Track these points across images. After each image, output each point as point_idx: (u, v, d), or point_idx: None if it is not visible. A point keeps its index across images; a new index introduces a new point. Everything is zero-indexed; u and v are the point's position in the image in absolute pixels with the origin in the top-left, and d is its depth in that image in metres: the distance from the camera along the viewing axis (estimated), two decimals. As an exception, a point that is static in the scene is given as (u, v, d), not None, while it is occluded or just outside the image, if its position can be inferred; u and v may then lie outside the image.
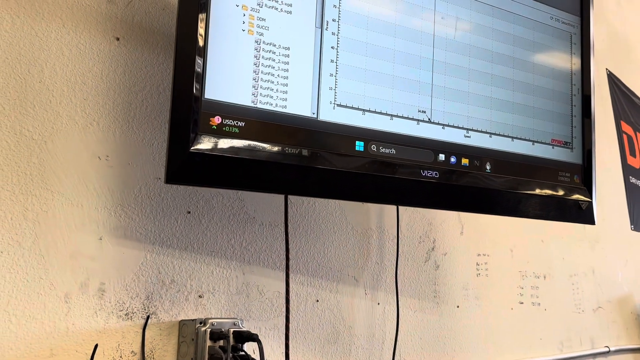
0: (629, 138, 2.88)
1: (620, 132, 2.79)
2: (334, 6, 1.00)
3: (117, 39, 1.00)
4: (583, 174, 1.28)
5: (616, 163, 2.71)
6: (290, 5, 0.96)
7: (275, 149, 0.92)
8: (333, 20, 1.00)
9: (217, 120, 0.88)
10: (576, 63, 1.32)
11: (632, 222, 2.66)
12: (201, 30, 0.87)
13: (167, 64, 1.05)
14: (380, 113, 1.04)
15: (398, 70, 1.06)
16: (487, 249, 1.67)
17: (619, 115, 2.82)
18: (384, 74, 1.05)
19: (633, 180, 2.80)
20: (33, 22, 0.92)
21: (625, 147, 2.83)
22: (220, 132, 0.88)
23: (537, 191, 1.19)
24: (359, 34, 1.02)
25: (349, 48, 1.01)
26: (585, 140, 1.30)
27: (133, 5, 1.03)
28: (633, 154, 2.90)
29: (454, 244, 1.56)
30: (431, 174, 1.08)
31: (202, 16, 0.87)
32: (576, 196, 1.25)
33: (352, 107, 1.01)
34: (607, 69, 2.83)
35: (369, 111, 1.03)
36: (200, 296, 1.04)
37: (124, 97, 0.99)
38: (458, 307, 1.52)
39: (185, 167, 0.84)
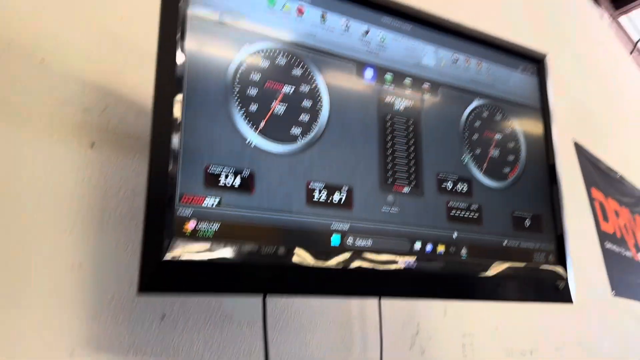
0: (601, 204, 2.95)
1: (591, 199, 2.87)
2: (305, 106, 1.04)
3: (92, 145, 1.01)
4: (557, 253, 1.29)
5: (592, 229, 2.76)
6: (262, 108, 0.99)
7: (251, 249, 0.92)
8: (304, 120, 1.03)
9: (191, 225, 0.88)
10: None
11: (612, 288, 2.67)
12: (175, 136, 0.89)
13: (143, 166, 1.06)
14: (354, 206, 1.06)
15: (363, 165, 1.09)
16: (472, 328, 1.65)
17: (589, 182, 2.91)
18: (354, 167, 1.07)
19: (609, 245, 2.84)
20: (8, 133, 0.93)
21: (598, 214, 2.89)
22: (194, 237, 0.88)
23: (514, 274, 1.20)
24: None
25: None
26: (556, 217, 1.33)
27: (108, 112, 1.05)
28: (606, 219, 2.96)
29: (438, 327, 1.54)
30: (408, 264, 1.08)
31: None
32: (552, 276, 1.26)
33: (326, 202, 1.03)
34: (573, 139, 2.95)
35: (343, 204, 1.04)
36: (177, 406, 0.99)
37: (98, 202, 1.00)
38: (446, 393, 1.48)
39: (159, 276, 0.83)
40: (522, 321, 1.87)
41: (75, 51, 1.04)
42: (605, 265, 2.68)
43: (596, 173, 3.02)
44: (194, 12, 0.97)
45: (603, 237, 2.81)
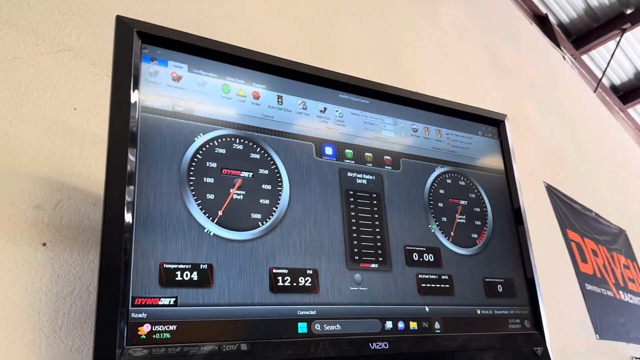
0: (578, 245, 2.96)
1: (568, 240, 2.87)
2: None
3: (44, 244, 0.97)
4: (533, 317, 1.27)
5: (571, 272, 2.75)
6: (219, 197, 0.97)
7: (211, 349, 0.88)
8: (264, 204, 1.01)
9: (146, 328, 0.84)
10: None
11: (596, 331, 2.64)
12: (127, 235, 0.86)
13: (97, 261, 1.02)
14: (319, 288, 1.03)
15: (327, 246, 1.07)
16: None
17: (564, 224, 2.92)
18: (319, 248, 1.05)
19: (589, 287, 2.83)
20: (-49, 240, 0.89)
21: (576, 255, 2.89)
22: (150, 341, 0.84)
23: (490, 345, 1.17)
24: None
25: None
26: (527, 279, 1.31)
27: (61, 206, 1.02)
28: (584, 260, 2.96)
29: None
30: (380, 346, 1.04)
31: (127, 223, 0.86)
32: (530, 343, 1.23)
33: (290, 287, 1.00)
34: (544, 182, 2.98)
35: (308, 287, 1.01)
36: None
37: (50, 304, 0.95)
38: None
39: (112, 390, 0.78)
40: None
41: (26, 146, 1.02)
42: (587, 308, 2.66)
43: (570, 214, 3.04)
44: (146, 104, 0.96)
45: (582, 278, 2.80)
